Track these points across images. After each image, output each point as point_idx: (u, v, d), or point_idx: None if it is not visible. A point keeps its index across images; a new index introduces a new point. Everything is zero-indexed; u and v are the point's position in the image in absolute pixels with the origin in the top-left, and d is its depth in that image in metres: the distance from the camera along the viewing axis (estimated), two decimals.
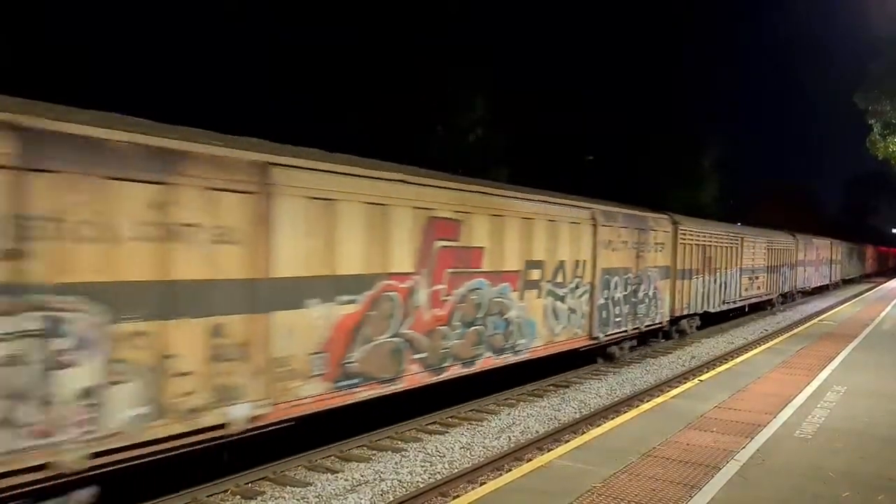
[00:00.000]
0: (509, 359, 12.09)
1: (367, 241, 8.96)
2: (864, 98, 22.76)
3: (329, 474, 8.64)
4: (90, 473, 6.18)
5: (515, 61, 38.37)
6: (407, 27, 30.61)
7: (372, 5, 30.60)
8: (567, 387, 14.12)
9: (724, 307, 23.67)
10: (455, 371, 10.74)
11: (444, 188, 10.52)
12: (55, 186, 5.81)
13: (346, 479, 8.46)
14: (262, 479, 8.39)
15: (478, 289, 11.15)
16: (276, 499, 7.86)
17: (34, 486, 5.84)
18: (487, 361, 11.49)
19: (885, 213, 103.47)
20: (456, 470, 8.84)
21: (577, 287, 14.11)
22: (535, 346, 12.82)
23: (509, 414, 11.83)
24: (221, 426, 7.15)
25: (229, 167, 7.22)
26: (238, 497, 7.91)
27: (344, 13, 30.58)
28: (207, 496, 7.78)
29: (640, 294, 16.93)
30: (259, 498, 7.87)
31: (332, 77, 29.57)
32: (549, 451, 8.98)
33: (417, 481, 8.48)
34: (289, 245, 7.83)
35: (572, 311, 13.99)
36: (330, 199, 8.37)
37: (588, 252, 14.43)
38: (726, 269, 23.40)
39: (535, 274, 12.64)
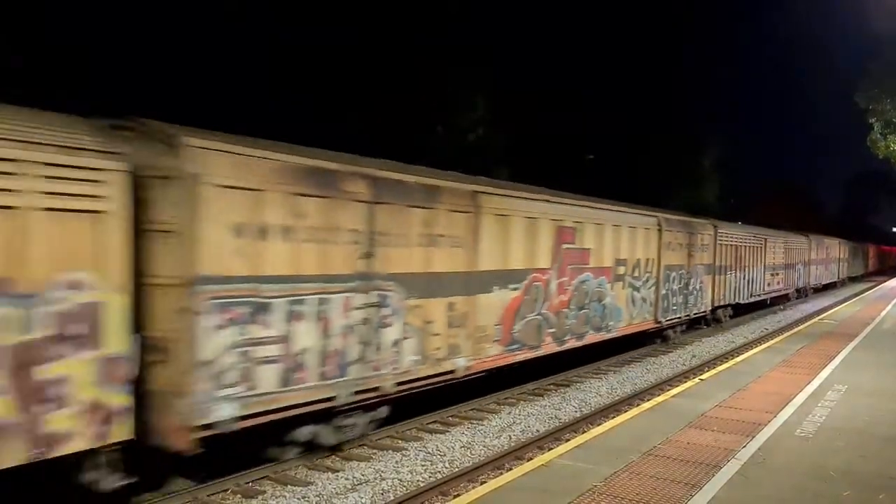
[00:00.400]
0: (604, 336, 15.39)
1: (524, 244, 12.21)
2: (864, 97, 22.77)
3: (330, 473, 8.64)
4: (391, 396, 9.49)
5: (515, 61, 38.32)
6: (407, 27, 30.59)
7: (372, 5, 30.60)
8: (567, 386, 14.12)
9: (752, 299, 26.83)
10: (571, 343, 14.01)
11: (568, 204, 13.87)
12: (386, 212, 9.16)
13: (347, 479, 8.46)
14: (263, 478, 8.38)
15: (586, 280, 14.36)
16: (276, 498, 7.86)
17: (369, 402, 9.22)
18: (591, 337, 14.75)
19: (885, 212, 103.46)
20: (456, 469, 8.85)
21: (647, 280, 17.29)
22: (621, 326, 16.14)
23: (510, 413, 11.83)
24: (451, 372, 10.55)
25: (460, 195, 10.66)
26: (239, 496, 7.91)
27: (344, 13, 30.57)
28: (208, 495, 7.78)
29: (690, 287, 20.20)
30: (260, 497, 7.87)
31: (332, 77, 29.55)
32: (549, 449, 8.98)
33: (418, 480, 8.48)
34: (486, 248, 11.18)
35: (644, 299, 17.22)
36: (505, 216, 11.69)
37: (655, 252, 17.69)
38: (753, 266, 26.52)
39: (621, 269, 15.91)
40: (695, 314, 20.91)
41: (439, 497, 7.81)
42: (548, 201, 13.17)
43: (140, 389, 6.66)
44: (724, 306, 23.80)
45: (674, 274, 18.89)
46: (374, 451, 9.63)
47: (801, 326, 22.67)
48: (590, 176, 37.79)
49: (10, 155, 5.59)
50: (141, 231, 6.68)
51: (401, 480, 8.46)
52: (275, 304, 7.69)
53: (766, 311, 30.15)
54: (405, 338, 9.57)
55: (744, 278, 25.43)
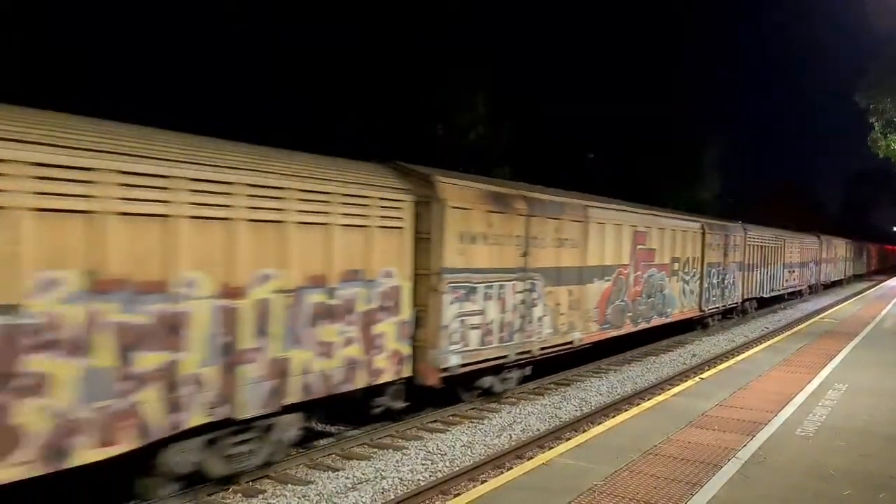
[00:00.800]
0: (664, 320, 18.71)
1: (613, 245, 15.48)
2: (864, 96, 22.76)
3: (330, 472, 8.64)
4: (535, 358, 12.87)
5: (515, 60, 38.37)
6: (407, 27, 30.59)
7: (372, 5, 30.59)
8: (568, 385, 14.12)
9: (773, 293, 30.24)
10: (642, 325, 17.25)
11: (640, 213, 17.25)
12: (535, 222, 12.48)
13: (348, 478, 8.46)
14: (264, 477, 8.38)
15: (653, 275, 17.69)
16: (277, 497, 7.86)
17: (522, 361, 12.57)
18: (655, 320, 18.09)
19: (886, 211, 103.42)
20: (457, 468, 8.85)
21: (693, 275, 20.65)
22: (675, 313, 19.52)
23: (510, 412, 11.83)
24: (570, 342, 13.90)
25: (576, 208, 14.00)
26: (239, 495, 7.91)
27: (343, 13, 30.56)
28: (209, 494, 7.78)
29: (726, 281, 23.49)
30: (260, 496, 7.87)
31: (332, 77, 29.55)
32: (550, 449, 8.97)
33: (418, 479, 8.48)
34: (591, 248, 14.47)
35: (691, 291, 20.54)
36: (602, 223, 14.92)
37: (699, 251, 21.06)
38: (774, 264, 29.97)
39: (675, 266, 19.24)
40: (729, 305, 24.37)
41: (440, 496, 7.81)
42: (627, 211, 16.53)
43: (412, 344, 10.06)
44: (751, 299, 27.23)
45: (714, 270, 22.22)
46: (375, 449, 9.63)
47: (802, 325, 22.65)
48: (590, 174, 37.81)
49: (364, 193, 9.12)
50: (415, 239, 10.05)
51: (401, 479, 8.46)
52: (478, 287, 11.10)
53: (766, 311, 30.16)
54: (544, 315, 12.93)
55: (767, 275, 28.83)
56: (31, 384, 5.66)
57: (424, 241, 10.15)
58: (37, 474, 5.70)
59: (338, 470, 8.73)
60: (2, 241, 5.48)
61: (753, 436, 8.88)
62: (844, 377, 13.05)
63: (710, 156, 51.13)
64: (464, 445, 9.89)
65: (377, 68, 29.92)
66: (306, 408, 8.49)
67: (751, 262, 26.24)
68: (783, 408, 10.46)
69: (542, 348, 12.92)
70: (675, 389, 12.06)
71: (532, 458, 8.66)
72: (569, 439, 9.38)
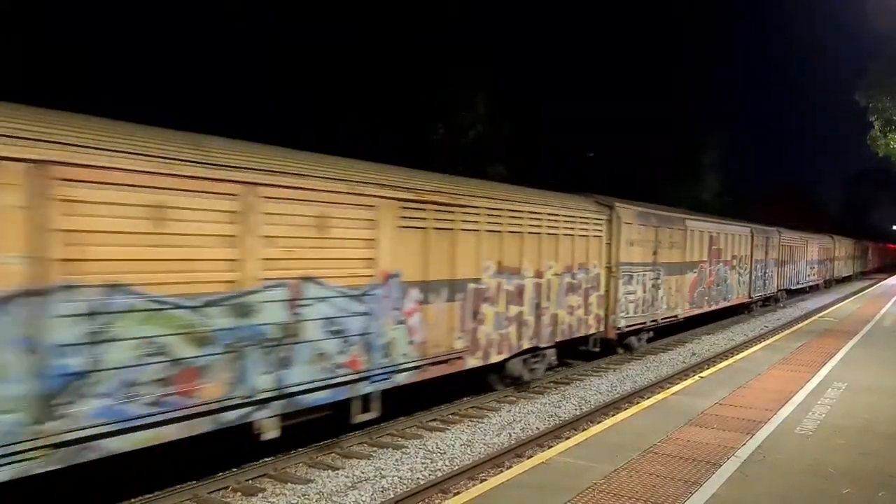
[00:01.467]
0: (726, 304, 24.14)
1: (698, 246, 20.61)
2: (864, 96, 22.76)
3: (330, 471, 8.65)
4: (657, 325, 18.20)
5: (515, 59, 38.36)
6: (407, 27, 30.59)
7: (371, 5, 30.60)
8: (567, 384, 14.13)
9: (798, 286, 36.14)
10: (713, 307, 22.66)
11: (714, 222, 22.93)
12: (660, 232, 17.80)
13: (347, 476, 8.47)
14: (263, 475, 8.39)
15: (720, 268, 22.92)
16: (276, 495, 7.87)
17: (649, 327, 17.64)
18: (721, 303, 23.40)
19: (886, 210, 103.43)
20: (456, 466, 8.85)
21: (745, 269, 26.12)
22: (734, 298, 24.93)
23: (510, 411, 11.83)
24: (675, 316, 19.05)
25: (680, 221, 19.22)
26: (239, 494, 7.91)
27: (343, 13, 30.57)
28: (208, 493, 7.79)
29: (766, 275, 29.39)
30: (260, 495, 7.87)
31: (332, 77, 29.55)
32: (549, 447, 8.98)
33: (418, 478, 8.49)
34: (687, 248, 19.73)
35: (744, 282, 26.05)
36: (693, 230, 20.12)
37: (749, 250, 26.55)
38: (800, 261, 36.14)
39: (734, 262, 24.52)
40: (768, 293, 30.07)
41: (439, 495, 7.81)
42: (707, 221, 22.41)
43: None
44: (783, 290, 32.87)
45: (759, 265, 27.81)
46: (374, 448, 9.64)
47: (802, 324, 22.66)
48: (590, 173, 37.81)
49: (588, 216, 14.57)
50: (605, 243, 15.28)
51: (401, 478, 8.47)
52: (634, 275, 16.36)
53: (766, 310, 30.18)
54: (663, 296, 18.14)
55: (794, 270, 34.81)
56: (482, 319, 11.18)
57: (608, 244, 15.46)
58: (478, 365, 11.28)
59: (337, 469, 8.74)
60: (474, 246, 10.96)
61: (753, 434, 8.89)
62: (844, 376, 13.05)
63: (710, 156, 51.14)
64: (463, 444, 9.90)
65: (377, 68, 29.93)
66: (558, 346, 13.73)
67: (783, 259, 32.07)
68: (783, 406, 10.47)
69: (662, 318, 18.28)
70: (675, 388, 12.07)
71: (531, 456, 8.67)
72: (568, 438, 9.40)
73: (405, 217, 9.45)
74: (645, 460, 7.81)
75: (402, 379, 9.50)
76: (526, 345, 12.40)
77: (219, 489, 7.92)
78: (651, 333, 18.08)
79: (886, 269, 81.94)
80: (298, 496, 7.85)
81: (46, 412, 5.60)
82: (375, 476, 8.51)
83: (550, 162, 37.53)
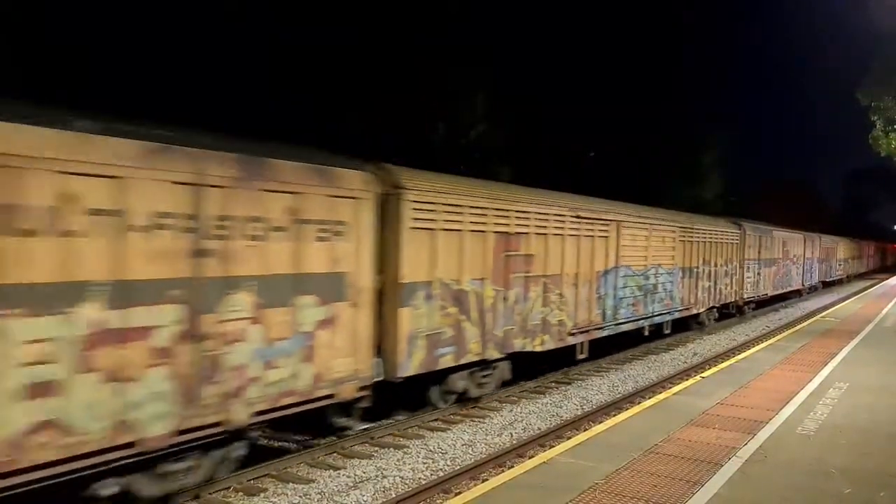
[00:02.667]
0: (790, 289, 32.67)
1: (779, 248, 29.87)
2: (866, 94, 22.72)
3: (331, 471, 8.65)
4: (760, 300, 28.53)
5: (516, 58, 38.28)
6: (407, 27, 30.59)
7: (372, 5, 30.60)
8: (569, 383, 14.12)
9: (830, 279, 46.00)
10: (783, 290, 31.46)
11: (783, 230, 30.82)
12: (763, 240, 27.93)
13: (349, 476, 8.47)
14: (265, 475, 8.39)
15: (787, 264, 31.74)
16: (278, 495, 7.87)
17: (757, 300, 28.12)
18: (787, 288, 32.22)
19: (887, 209, 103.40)
20: (458, 466, 8.85)
21: (800, 265, 34.80)
22: (793, 285, 33.53)
23: (511, 411, 11.83)
24: (766, 294, 28.62)
25: (770, 231, 29.02)
26: (241, 494, 7.92)
27: (344, 14, 30.56)
28: (210, 493, 7.79)
29: (812, 269, 38.70)
30: (262, 495, 7.87)
31: (333, 77, 29.55)
32: (550, 447, 8.98)
33: (419, 478, 8.49)
34: (774, 250, 29.20)
35: (798, 273, 34.50)
36: (775, 238, 29.44)
37: (802, 251, 34.97)
38: (832, 259, 46.04)
39: (794, 259, 33.18)
40: (813, 283, 39.55)
41: (441, 494, 7.81)
42: (780, 230, 29.83)
43: None
44: (821, 281, 42.35)
45: (808, 262, 37.04)
46: (376, 448, 9.63)
47: (803, 324, 22.65)
48: (590, 173, 37.79)
49: (727, 229, 23.76)
50: (737, 247, 24.38)
51: (402, 478, 8.46)
52: (751, 267, 25.71)
53: (767, 309, 30.16)
54: (762, 281, 26.40)
55: (828, 266, 45.05)
56: (706, 287, 20.93)
57: (739, 247, 23.17)
58: (699, 311, 21.05)
59: (339, 468, 8.74)
60: (699, 248, 20.35)
61: (754, 434, 8.89)
62: (845, 376, 13.05)
63: (711, 155, 51.11)
64: (465, 444, 9.90)
65: (377, 68, 29.93)
66: (719, 307, 22.33)
67: (821, 258, 41.50)
68: (784, 406, 10.47)
69: (760, 295, 27.00)
70: (676, 388, 12.07)
71: (533, 456, 8.66)
72: (570, 438, 9.40)
73: (684, 234, 19.55)
74: (646, 460, 7.81)
75: (677, 315, 19.46)
76: (712, 303, 22.09)
77: (220, 489, 7.92)
78: (754, 305, 27.57)
79: (888, 268, 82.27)
80: (300, 496, 7.85)
81: (613, 315, 15.47)
82: (377, 476, 8.51)
83: (552, 162, 37.51)
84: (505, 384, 12.57)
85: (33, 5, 23.63)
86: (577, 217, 13.64)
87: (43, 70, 22.41)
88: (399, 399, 10.51)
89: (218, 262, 6.98)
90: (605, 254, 15.00)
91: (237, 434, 7.47)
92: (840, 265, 49.59)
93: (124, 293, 6.16)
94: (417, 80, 30.41)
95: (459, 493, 7.44)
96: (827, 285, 44.51)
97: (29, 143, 5.56)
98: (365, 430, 9.66)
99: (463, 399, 11.50)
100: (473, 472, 8.51)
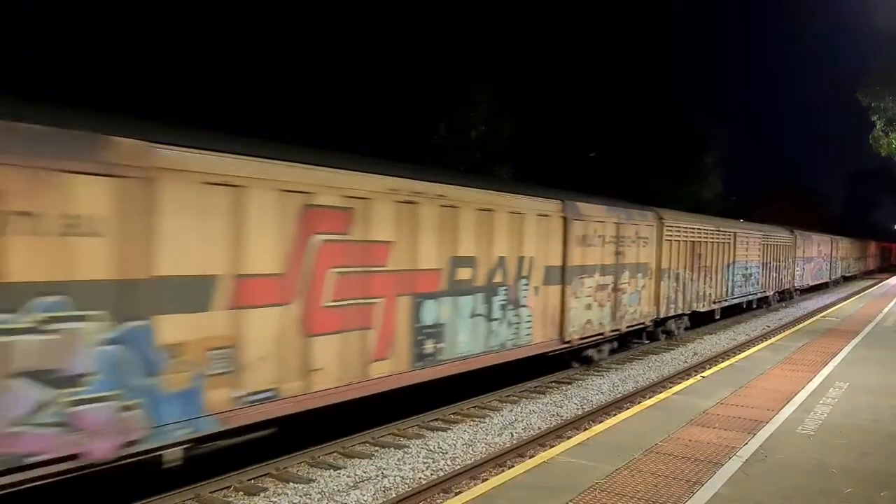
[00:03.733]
0: (822, 280, 41.62)
1: (815, 249, 39.63)
2: (866, 95, 22.72)
3: (332, 470, 8.65)
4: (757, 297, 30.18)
5: (517, 58, 38.28)
6: (408, 27, 30.61)
7: (374, 6, 30.62)
8: (569, 383, 14.13)
9: (849, 274, 54.37)
10: (818, 282, 40.67)
11: (818, 234, 41.13)
12: (804, 242, 37.78)
13: (349, 476, 8.47)
14: (265, 475, 8.39)
15: (820, 261, 40.86)
16: (278, 495, 7.87)
17: (805, 288, 38.28)
18: (820, 280, 41.27)
19: (888, 209, 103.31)
20: (458, 466, 8.85)
21: (828, 262, 43.21)
22: (825, 278, 43.03)
23: (511, 410, 11.83)
24: (807, 284, 37.56)
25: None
26: (241, 493, 7.92)
27: (346, 14, 30.58)
28: (210, 492, 7.79)
29: (835, 266, 45.92)
30: (262, 494, 7.88)
31: (335, 77, 29.58)
32: (551, 447, 8.99)
33: (420, 478, 8.49)
34: (810, 251, 38.44)
35: (827, 269, 43.13)
36: (811, 242, 38.31)
37: (829, 251, 43.39)
38: (847, 258, 53.40)
39: (825, 257, 42.34)
40: (837, 278, 47.71)
41: (441, 494, 7.81)
42: (817, 234, 39.35)
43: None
44: (842, 276, 50.70)
45: (834, 260, 44.60)
46: (376, 448, 9.64)
47: (804, 324, 22.65)
48: (592, 173, 37.79)
49: (785, 236, 32.40)
50: (792, 247, 33.57)
51: (403, 478, 8.47)
52: (799, 263, 34.77)
53: (766, 309, 30.19)
54: (805, 274, 35.34)
55: (847, 264, 53.18)
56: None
57: (793, 248, 30.19)
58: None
59: (339, 468, 8.74)
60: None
61: (755, 434, 8.89)
62: (846, 375, 13.05)
63: (712, 155, 51.13)
64: (465, 444, 9.90)
65: (380, 68, 29.95)
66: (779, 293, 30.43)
67: (839, 256, 48.58)
68: (784, 406, 10.47)
69: (805, 285, 35.74)
70: (677, 388, 12.07)
71: (533, 456, 8.67)
72: (570, 437, 9.40)
73: (764, 239, 27.93)
74: (647, 460, 7.81)
75: (759, 295, 27.52)
76: (776, 288, 29.16)
77: (221, 489, 7.92)
78: (798, 293, 35.28)
79: (889, 268, 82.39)
80: (300, 496, 7.85)
81: (731, 293, 24.24)
82: (377, 475, 8.51)
83: (553, 162, 37.51)
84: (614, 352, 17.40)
85: (32, 4, 23.63)
86: (718, 230, 22.35)
87: (42, 69, 22.40)
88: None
89: (619, 255, 15.65)
90: (729, 253, 23.37)
91: (621, 337, 16.60)
92: (855, 263, 59.05)
93: (613, 270, 15.35)
94: (419, 80, 30.45)
95: (460, 492, 7.44)
96: (847, 279, 53.60)
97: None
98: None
99: (669, 335, 19.77)
100: (474, 471, 8.52)
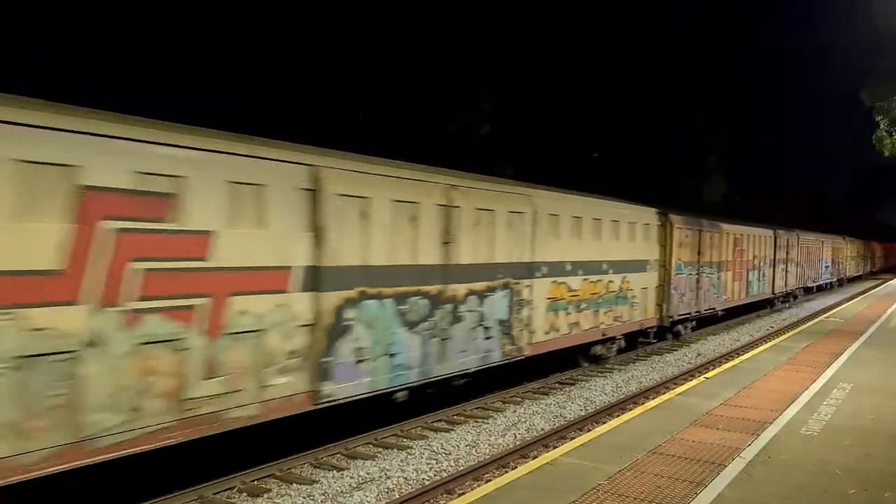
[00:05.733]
0: (854, 275, 56.09)
1: (822, 252, 41.68)
2: (869, 95, 22.65)
3: (335, 472, 8.67)
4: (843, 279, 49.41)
5: (520, 58, 38.31)
6: (412, 30, 30.68)
7: (377, 8, 30.68)
8: (573, 384, 14.12)
9: (870, 271, 65.34)
10: (851, 275, 54.12)
11: (848, 238, 52.34)
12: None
13: (352, 477, 8.49)
14: (269, 476, 8.41)
15: (850, 260, 53.04)
16: (282, 496, 7.89)
17: (843, 280, 50.40)
18: (852, 273, 54.97)
19: (893, 209, 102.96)
20: (462, 467, 8.86)
21: (857, 260, 57.45)
22: (859, 272, 59.07)
23: (515, 412, 11.83)
24: (844, 277, 50.89)
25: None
26: (244, 494, 7.94)
27: (349, 16, 30.65)
28: (214, 493, 7.81)
29: (861, 264, 59.27)
30: (265, 495, 7.90)
31: (342, 78, 29.67)
32: (554, 448, 8.99)
33: (423, 479, 8.50)
34: (824, 254, 42.26)
35: (861, 265, 59.07)
36: (820, 244, 40.81)
37: (856, 252, 56.04)
38: (863, 258, 60.85)
39: (855, 257, 55.89)
40: (863, 272, 59.33)
41: (444, 495, 7.82)
42: (851, 238, 52.34)
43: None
44: (867, 272, 61.34)
45: (859, 258, 55.95)
46: (380, 449, 9.65)
47: (807, 324, 22.61)
48: (595, 173, 37.77)
49: (838, 241, 46.06)
50: (836, 249, 44.76)
51: (406, 479, 8.48)
52: (839, 262, 48.12)
53: (770, 310, 30.13)
54: (846, 268, 49.57)
55: (864, 263, 61.43)
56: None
57: (840, 250, 46.29)
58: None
59: (342, 469, 8.75)
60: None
61: (758, 435, 8.88)
62: (849, 376, 13.02)
63: (716, 156, 51.10)
64: (468, 445, 9.90)
65: (385, 69, 30.03)
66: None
67: (858, 256, 56.95)
68: (788, 407, 10.45)
69: (851, 275, 53.36)
70: (680, 389, 12.05)
71: (536, 457, 8.68)
72: (573, 439, 9.41)
73: (833, 244, 44.78)
74: (650, 461, 7.81)
75: (825, 283, 41.28)
76: (839, 276, 46.24)
77: (224, 489, 7.94)
78: (846, 281, 47.12)
79: (893, 268, 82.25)
80: (304, 497, 7.87)
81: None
82: (381, 477, 8.52)
83: (556, 161, 37.51)
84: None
85: (33, 4, 23.70)
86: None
87: (43, 69, 22.46)
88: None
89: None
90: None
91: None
92: (871, 262, 67.35)
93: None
94: (425, 81, 30.52)
95: (463, 493, 7.45)
96: (851, 280, 57.41)
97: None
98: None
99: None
100: (477, 472, 8.53)
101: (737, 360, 15.16)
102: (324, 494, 7.93)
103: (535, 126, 36.35)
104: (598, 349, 15.52)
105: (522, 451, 9.41)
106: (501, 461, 8.97)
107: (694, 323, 20.75)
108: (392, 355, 9.45)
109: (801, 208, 70.34)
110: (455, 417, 11.33)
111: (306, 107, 29.11)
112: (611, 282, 15.40)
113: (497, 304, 11.56)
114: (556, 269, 13.25)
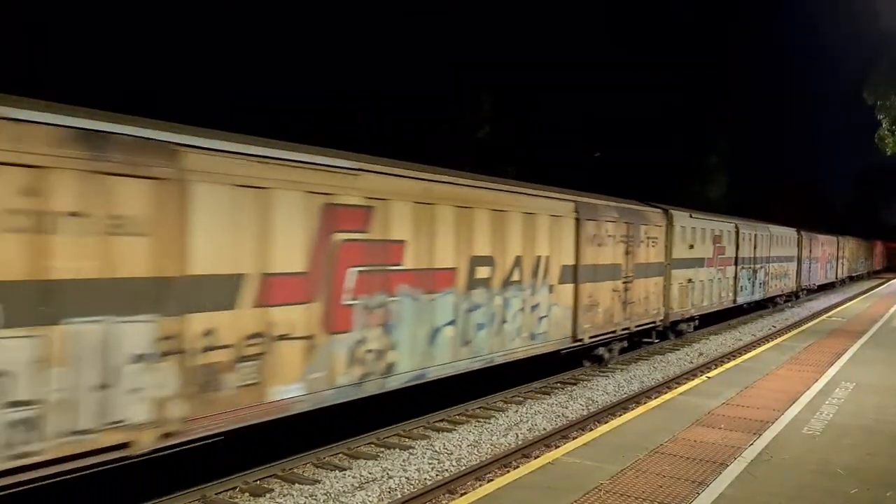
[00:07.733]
0: (860, 272, 59.28)
1: (824, 250, 41.36)
2: (871, 94, 22.63)
3: (337, 471, 8.67)
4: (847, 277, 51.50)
5: (520, 58, 38.31)
6: (413, 30, 30.70)
7: (379, 9, 30.70)
8: (574, 384, 14.12)
9: (876, 269, 69.22)
10: (856, 273, 57.01)
11: (857, 238, 57.19)
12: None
13: (354, 477, 8.49)
14: (271, 476, 8.42)
15: (858, 259, 57.06)
16: (284, 496, 7.89)
17: (845, 279, 51.57)
18: (858, 272, 58.60)
19: (893, 208, 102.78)
20: (464, 467, 8.86)
21: (863, 259, 60.93)
22: (875, 268, 69.58)
23: (517, 411, 11.83)
24: (852, 275, 54.66)
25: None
26: (246, 494, 7.94)
27: (351, 17, 30.68)
28: (216, 493, 7.82)
29: (868, 262, 63.95)
30: (267, 495, 7.90)
31: (342, 78, 29.68)
32: (556, 448, 8.99)
33: (425, 478, 8.50)
34: (823, 253, 41.49)
35: (864, 264, 62.26)
36: (824, 244, 41.82)
37: (866, 252, 62.53)
38: (870, 257, 65.42)
39: (860, 256, 59.26)
40: (870, 270, 63.84)
41: (446, 495, 7.82)
42: (877, 242, 69.45)
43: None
44: (873, 270, 66.17)
45: (864, 258, 60.02)
46: (382, 449, 9.66)
47: (810, 324, 22.60)
48: (596, 173, 37.76)
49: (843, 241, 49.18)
50: (840, 248, 47.27)
51: (408, 478, 8.48)
52: (843, 260, 48.99)
53: (772, 310, 30.11)
54: (846, 267, 49.85)
55: (868, 261, 63.79)
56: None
57: (870, 248, 61.43)
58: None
59: (345, 469, 8.76)
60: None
61: (760, 434, 8.88)
62: (852, 375, 13.01)
63: (718, 155, 51.08)
64: (470, 444, 9.91)
65: (386, 69, 30.04)
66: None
67: (861, 255, 58.76)
68: (790, 406, 10.45)
69: (873, 269, 65.89)
70: (682, 388, 12.06)
71: (538, 456, 8.68)
72: (575, 438, 9.41)
73: (857, 244, 55.34)
74: (652, 460, 7.81)
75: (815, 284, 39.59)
76: (864, 270, 57.83)
77: (227, 489, 7.95)
78: (846, 281, 47.66)
79: (893, 269, 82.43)
80: (306, 496, 7.87)
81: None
82: (383, 476, 8.52)
83: (557, 161, 37.51)
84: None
85: (33, 4, 23.73)
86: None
87: (43, 69, 22.48)
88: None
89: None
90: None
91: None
92: (873, 261, 69.89)
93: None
94: (424, 81, 30.52)
95: (465, 493, 7.45)
96: (853, 279, 59.65)
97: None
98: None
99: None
100: (479, 472, 8.52)
101: (739, 360, 15.16)
102: (326, 494, 7.93)
103: (536, 126, 36.35)
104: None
105: (524, 451, 9.41)
106: (503, 461, 8.97)
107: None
108: None
109: (802, 207, 70.30)
110: (457, 417, 11.34)
111: (306, 107, 29.12)
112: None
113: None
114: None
